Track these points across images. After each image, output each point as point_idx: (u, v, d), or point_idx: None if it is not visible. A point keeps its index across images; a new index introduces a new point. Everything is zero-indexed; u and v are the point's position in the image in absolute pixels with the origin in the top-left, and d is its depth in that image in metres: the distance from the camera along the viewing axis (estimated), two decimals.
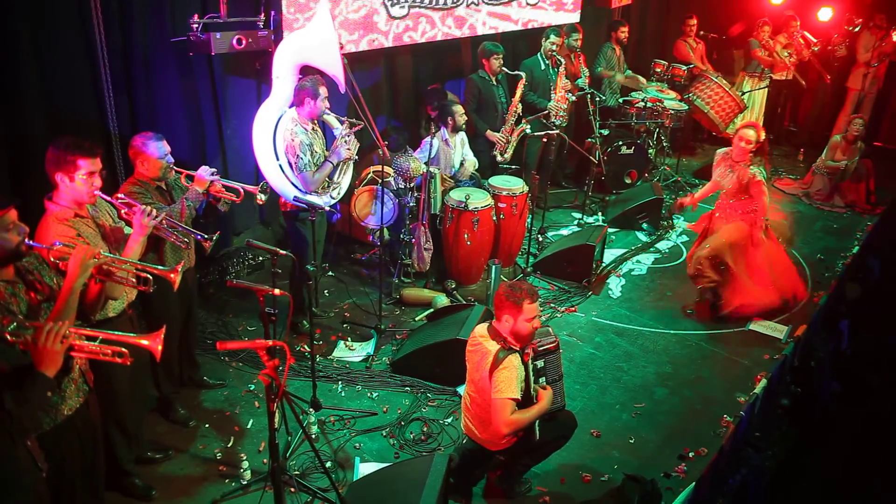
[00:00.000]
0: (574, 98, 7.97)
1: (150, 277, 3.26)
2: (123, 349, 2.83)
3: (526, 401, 3.85)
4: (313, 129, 5.23)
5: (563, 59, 7.76)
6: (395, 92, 7.62)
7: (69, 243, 3.06)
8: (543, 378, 3.99)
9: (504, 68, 7.20)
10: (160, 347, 2.84)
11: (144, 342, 2.83)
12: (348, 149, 5.31)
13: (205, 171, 4.31)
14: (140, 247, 3.66)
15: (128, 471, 4.13)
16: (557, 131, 7.28)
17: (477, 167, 6.98)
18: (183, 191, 4.38)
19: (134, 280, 3.30)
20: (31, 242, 2.89)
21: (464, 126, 6.76)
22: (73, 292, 2.87)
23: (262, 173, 5.27)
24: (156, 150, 4.15)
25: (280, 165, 5.15)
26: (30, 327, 2.67)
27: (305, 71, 5.41)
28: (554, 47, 7.66)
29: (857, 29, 10.29)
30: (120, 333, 2.87)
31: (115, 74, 5.01)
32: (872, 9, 10.91)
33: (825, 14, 10.53)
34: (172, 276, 3.27)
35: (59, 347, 2.66)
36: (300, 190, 5.17)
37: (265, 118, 5.25)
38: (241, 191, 4.45)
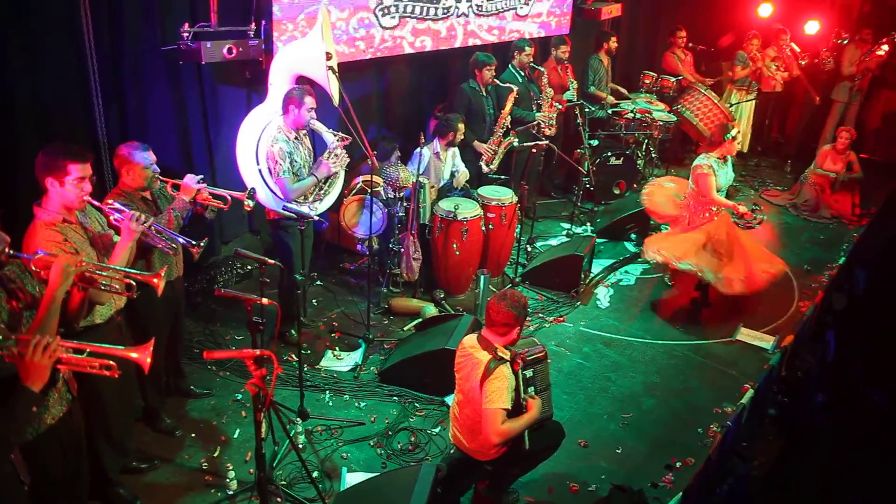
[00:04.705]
0: (561, 107, 7.99)
1: (134, 283, 3.24)
2: (111, 362, 2.78)
3: (515, 410, 3.84)
4: (296, 137, 5.22)
5: (543, 69, 7.77)
6: (385, 101, 7.64)
7: (51, 252, 3.04)
8: (532, 387, 3.99)
9: (496, 79, 7.22)
10: (149, 360, 2.80)
11: (133, 355, 2.78)
12: (335, 163, 5.31)
13: (191, 180, 4.30)
14: (128, 253, 3.65)
15: (113, 480, 4.10)
16: (547, 142, 7.31)
17: (467, 179, 6.99)
18: (169, 200, 4.37)
19: (118, 287, 3.29)
20: (11, 252, 2.87)
21: (458, 143, 6.77)
22: (55, 300, 2.85)
23: (243, 177, 5.27)
24: (141, 160, 4.13)
25: (260, 170, 5.16)
26: (14, 339, 2.65)
27: (302, 81, 5.42)
28: (529, 59, 7.66)
29: (845, 42, 10.40)
30: (108, 346, 2.82)
31: (105, 82, 5.00)
32: (858, 23, 11.06)
33: (812, 27, 10.63)
34: (156, 280, 3.25)
35: (46, 361, 2.62)
36: (278, 197, 5.17)
37: (252, 123, 5.28)
38: (229, 197, 4.43)
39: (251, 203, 4.54)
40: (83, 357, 2.77)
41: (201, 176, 4.37)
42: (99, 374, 2.79)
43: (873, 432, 5.59)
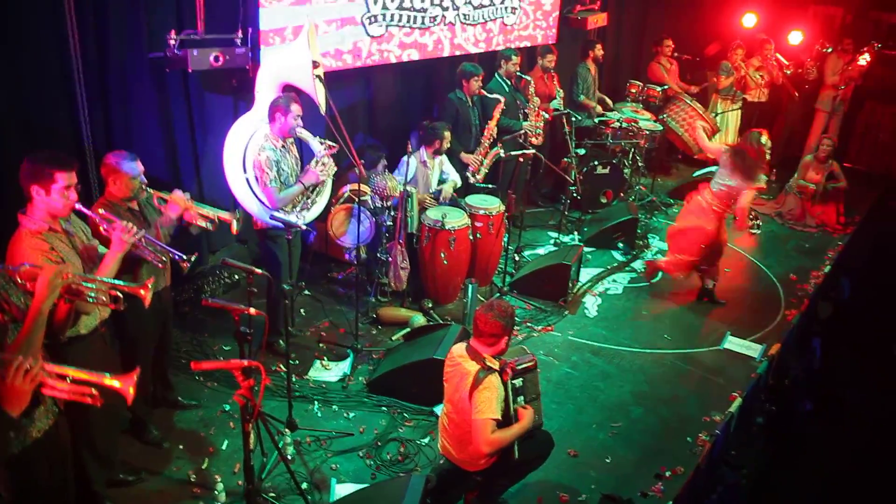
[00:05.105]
0: (548, 116, 8.01)
1: (121, 295, 3.21)
2: (94, 391, 2.71)
3: (505, 420, 3.84)
4: (283, 146, 5.20)
5: (530, 78, 7.79)
6: (371, 110, 7.63)
7: (36, 263, 3.00)
8: (522, 397, 3.99)
9: (482, 90, 7.22)
10: (132, 391, 2.72)
11: (115, 384, 2.70)
12: (322, 171, 5.29)
13: (179, 197, 4.25)
14: (116, 264, 3.61)
15: (99, 493, 4.04)
16: (533, 151, 7.32)
17: (458, 186, 6.99)
18: (155, 210, 4.33)
19: (104, 299, 3.25)
20: None
21: (444, 151, 6.77)
22: (41, 313, 2.81)
23: (230, 187, 5.24)
24: (129, 170, 4.09)
25: (247, 179, 5.13)
26: None
27: (289, 89, 5.40)
28: (516, 68, 7.67)
29: (829, 50, 10.52)
30: (91, 373, 2.74)
31: (91, 89, 4.97)
32: (840, 33, 11.21)
33: (795, 38, 10.75)
34: (142, 292, 3.22)
35: (27, 386, 2.57)
36: (266, 206, 5.14)
37: (239, 131, 5.25)
38: (216, 219, 4.37)
39: (238, 227, 4.46)
40: (66, 383, 2.71)
41: (189, 194, 4.32)
42: (83, 398, 2.72)
43: (860, 438, 5.64)
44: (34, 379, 2.59)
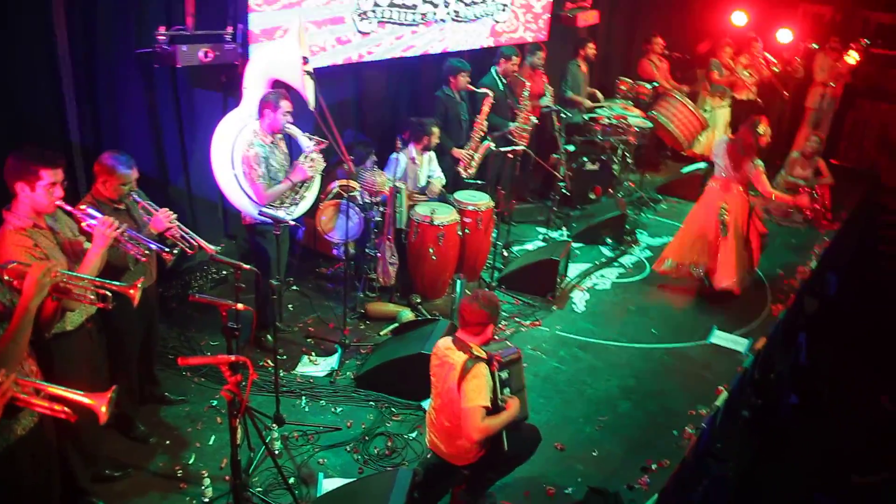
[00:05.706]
0: (536, 121, 8.01)
1: (109, 294, 3.20)
2: (66, 408, 2.67)
3: (494, 409, 3.85)
4: (272, 142, 5.20)
5: (527, 82, 7.78)
6: (362, 106, 7.62)
7: (21, 259, 2.99)
8: (508, 388, 4.00)
9: (470, 85, 7.22)
10: (104, 409, 2.68)
11: (87, 401, 2.67)
12: (311, 167, 5.29)
13: (165, 216, 4.21)
14: (100, 260, 3.59)
15: (85, 489, 4.04)
16: (523, 147, 7.33)
17: (444, 183, 6.99)
18: (137, 211, 4.33)
19: (92, 297, 3.24)
20: None
21: (434, 147, 6.77)
22: (29, 311, 2.79)
23: (218, 182, 5.24)
24: (123, 175, 4.07)
25: (235, 175, 5.13)
26: None
27: (278, 85, 5.40)
28: (514, 68, 7.66)
29: (815, 46, 10.59)
30: (66, 390, 2.71)
31: (79, 85, 4.95)
32: (827, 32, 11.28)
33: (784, 36, 10.80)
34: (132, 292, 3.21)
35: None
36: (254, 201, 5.14)
37: (227, 127, 5.24)
38: (196, 245, 4.30)
39: (217, 253, 4.40)
40: (41, 398, 2.70)
41: (176, 215, 4.28)
42: (58, 410, 2.69)
43: (843, 432, 5.68)
44: (4, 394, 2.58)
